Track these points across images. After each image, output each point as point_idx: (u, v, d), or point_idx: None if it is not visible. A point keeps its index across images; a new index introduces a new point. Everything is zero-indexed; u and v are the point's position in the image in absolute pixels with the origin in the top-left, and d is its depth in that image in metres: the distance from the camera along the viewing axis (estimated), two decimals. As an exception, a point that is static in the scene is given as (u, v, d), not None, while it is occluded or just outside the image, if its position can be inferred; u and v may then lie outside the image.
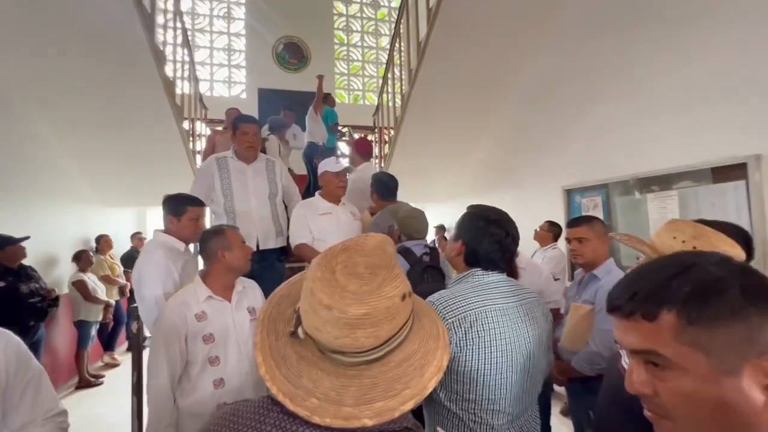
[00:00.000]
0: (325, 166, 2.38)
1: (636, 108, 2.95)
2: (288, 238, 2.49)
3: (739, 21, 2.24)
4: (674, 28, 2.62)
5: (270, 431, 0.51)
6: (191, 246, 1.93)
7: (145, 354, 1.88)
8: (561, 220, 3.55)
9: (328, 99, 5.59)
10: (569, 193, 3.61)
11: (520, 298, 1.08)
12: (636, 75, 2.93)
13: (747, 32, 2.21)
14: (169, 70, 4.23)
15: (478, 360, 0.99)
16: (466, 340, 0.98)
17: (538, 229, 3.50)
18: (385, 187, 2.51)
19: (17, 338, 0.95)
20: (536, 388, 1.10)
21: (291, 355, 0.54)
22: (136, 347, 1.88)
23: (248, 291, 1.59)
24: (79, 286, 4.19)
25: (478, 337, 0.99)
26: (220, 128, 5.37)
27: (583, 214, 3.45)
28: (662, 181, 2.69)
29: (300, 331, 0.54)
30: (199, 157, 5.30)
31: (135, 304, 1.84)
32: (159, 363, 1.34)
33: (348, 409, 0.48)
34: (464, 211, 1.18)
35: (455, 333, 0.98)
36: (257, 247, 2.37)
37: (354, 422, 0.47)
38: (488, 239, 1.06)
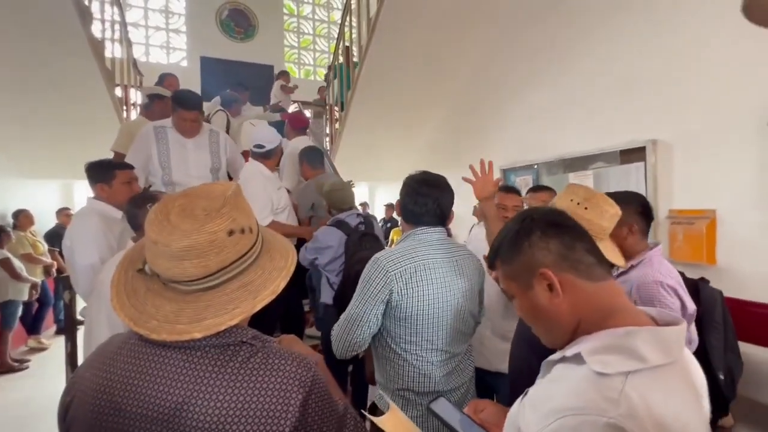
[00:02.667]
0: (277, 140, 2.40)
1: (560, 97, 3.26)
2: None
3: (638, 26, 2.61)
4: (594, 27, 2.93)
5: (126, 356, 0.61)
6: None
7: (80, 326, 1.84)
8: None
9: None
10: (505, 173, 3.90)
11: (453, 254, 1.24)
12: (558, 68, 3.24)
13: (644, 36, 2.57)
14: (96, 30, 3.88)
15: (416, 306, 1.14)
16: (406, 289, 1.13)
17: (477, 206, 3.76)
18: (314, 154, 2.64)
19: None
20: (468, 330, 1.28)
21: (141, 288, 0.63)
22: (68, 317, 1.83)
23: None
24: (5, 264, 3.82)
25: (417, 286, 1.14)
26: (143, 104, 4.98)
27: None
28: (581, 162, 3.02)
29: (147, 267, 0.64)
30: (134, 128, 4.94)
31: (66, 274, 1.78)
32: (100, 331, 1.31)
33: (181, 326, 0.57)
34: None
35: (396, 283, 1.12)
36: None
37: (185, 335, 0.56)
38: (420, 198, 1.21)
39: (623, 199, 1.26)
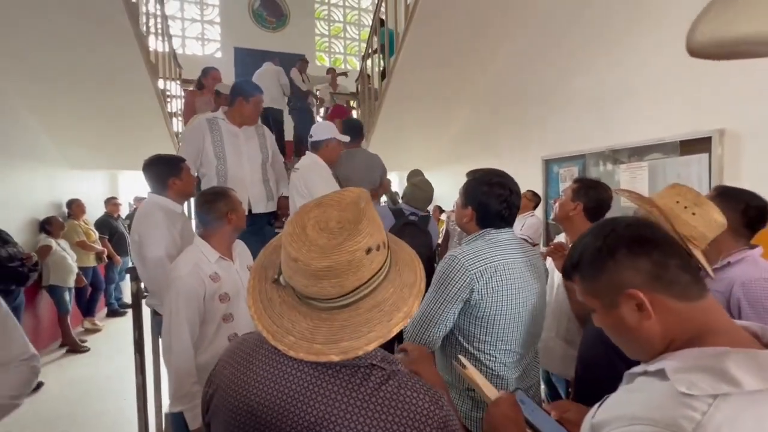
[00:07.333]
0: (331, 132, 2.33)
1: (612, 83, 3.08)
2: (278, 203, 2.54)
3: (701, 8, 2.39)
4: (649, 11, 2.73)
5: (261, 360, 0.63)
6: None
7: (145, 312, 1.93)
8: (539, 189, 3.74)
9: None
10: (548, 163, 3.78)
11: (527, 254, 1.22)
12: (613, 52, 3.05)
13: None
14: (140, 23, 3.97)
15: (496, 307, 1.12)
16: (486, 289, 1.11)
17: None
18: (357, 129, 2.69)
19: None
20: (538, 332, 1.27)
21: (276, 299, 0.63)
22: (135, 306, 1.92)
23: (242, 251, 1.63)
24: (44, 250, 3.99)
25: (497, 286, 1.12)
26: (191, 88, 5.08)
27: (561, 184, 3.64)
28: (635, 153, 2.88)
29: (281, 279, 0.63)
30: (176, 120, 5.08)
31: (132, 265, 1.86)
32: (180, 323, 1.37)
33: (318, 346, 0.56)
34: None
35: (478, 282, 1.10)
36: (249, 211, 2.39)
37: (322, 357, 0.56)
38: (495, 200, 1.16)
39: (728, 193, 1.23)
